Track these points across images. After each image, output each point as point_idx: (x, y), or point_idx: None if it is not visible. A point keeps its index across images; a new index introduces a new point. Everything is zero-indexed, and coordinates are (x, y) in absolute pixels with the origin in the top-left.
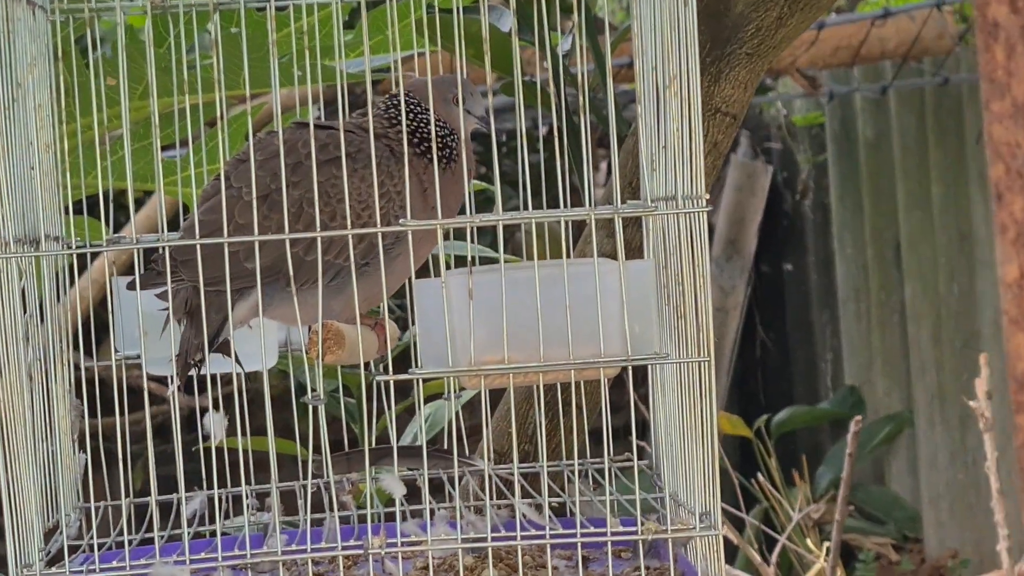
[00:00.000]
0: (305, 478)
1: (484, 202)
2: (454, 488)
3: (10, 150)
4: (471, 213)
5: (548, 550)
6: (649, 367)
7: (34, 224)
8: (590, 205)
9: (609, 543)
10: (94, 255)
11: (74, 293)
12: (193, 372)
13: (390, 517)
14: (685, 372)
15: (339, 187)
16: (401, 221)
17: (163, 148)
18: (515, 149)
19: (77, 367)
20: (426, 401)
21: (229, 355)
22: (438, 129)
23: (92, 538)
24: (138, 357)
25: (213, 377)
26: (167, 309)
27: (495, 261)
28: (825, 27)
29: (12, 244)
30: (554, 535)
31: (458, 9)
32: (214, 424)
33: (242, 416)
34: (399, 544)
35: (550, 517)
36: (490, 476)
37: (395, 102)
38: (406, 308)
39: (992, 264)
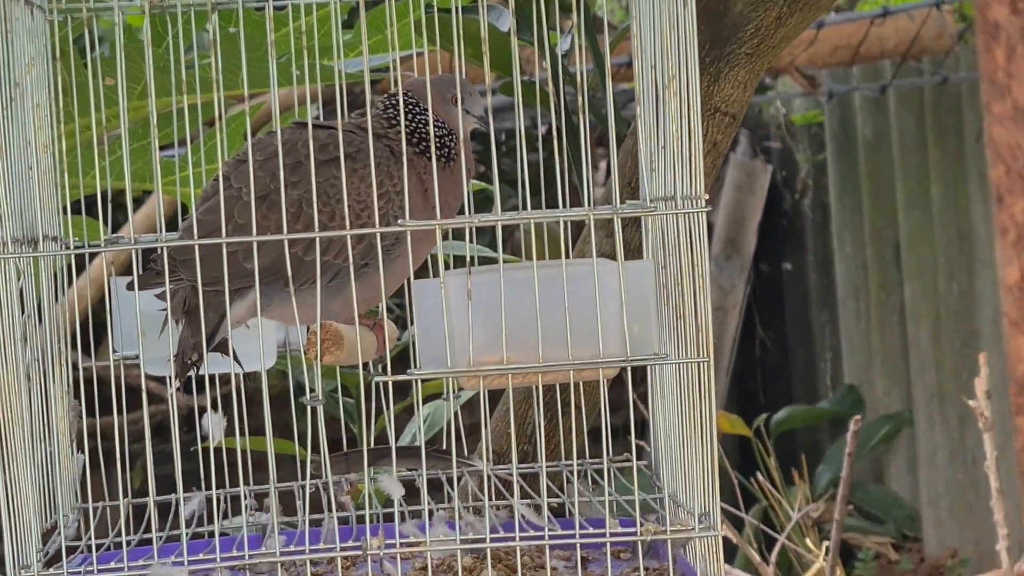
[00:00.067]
0: (304, 478)
1: (483, 201)
2: (453, 489)
3: (8, 150)
4: (470, 213)
5: (547, 551)
6: (648, 367)
7: (32, 224)
8: (589, 205)
9: (608, 544)
10: (92, 255)
11: (72, 293)
12: (192, 372)
13: (389, 518)
14: (684, 373)
15: (338, 187)
16: (400, 221)
17: (161, 148)
18: (514, 148)
19: (75, 367)
20: (425, 401)
21: (228, 355)
22: (437, 129)
23: (90, 539)
24: (136, 358)
25: (212, 377)
26: (166, 309)
27: (494, 261)
28: (824, 26)
29: (10, 244)
30: (553, 536)
31: (457, 9)
32: (212, 425)
33: (240, 416)
34: (398, 545)
35: (549, 518)
36: (489, 477)
37: (394, 102)
38: (405, 307)
39: (991, 263)
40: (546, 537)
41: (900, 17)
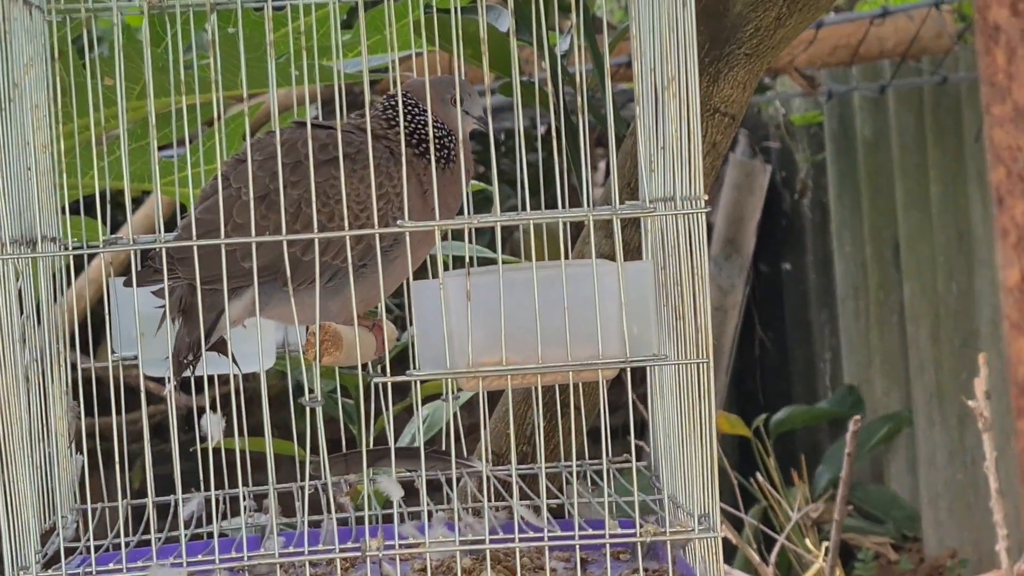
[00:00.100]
0: (303, 479)
1: (482, 201)
2: (452, 490)
3: (7, 151)
4: (469, 213)
5: (547, 552)
6: (648, 368)
7: (31, 225)
8: (588, 206)
9: (608, 545)
10: (91, 256)
11: (71, 294)
12: (189, 372)
13: (388, 519)
14: (684, 374)
15: (338, 188)
16: (399, 222)
17: (160, 148)
18: (513, 148)
19: (74, 367)
20: (424, 402)
21: (226, 355)
22: (436, 130)
23: (89, 540)
24: (135, 358)
25: (211, 377)
26: (163, 307)
27: (493, 261)
28: (823, 26)
29: (9, 245)
30: (552, 537)
31: (456, 9)
32: (211, 425)
33: (239, 417)
34: (397, 546)
35: (548, 519)
36: (488, 478)
37: (393, 103)
38: (404, 307)
39: (991, 263)
40: (545, 538)
41: (899, 17)
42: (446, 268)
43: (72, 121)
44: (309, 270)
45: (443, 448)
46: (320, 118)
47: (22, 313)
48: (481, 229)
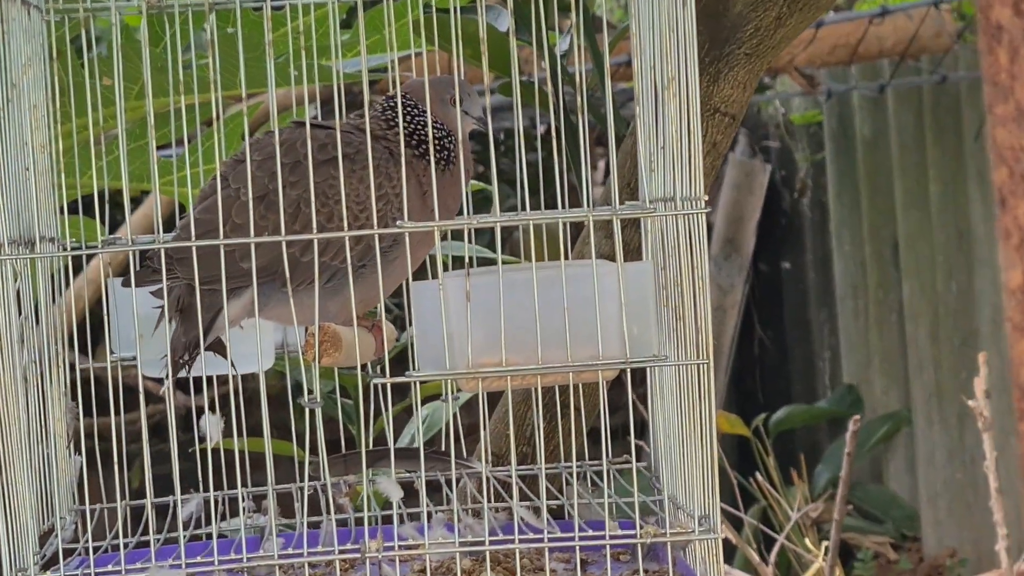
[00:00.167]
0: (302, 480)
1: (482, 201)
2: (452, 491)
3: (5, 151)
4: (469, 213)
5: (546, 553)
6: (648, 369)
7: (29, 225)
8: (588, 206)
9: (608, 547)
10: (90, 256)
11: (70, 294)
12: (185, 371)
13: (387, 520)
14: (684, 374)
15: (337, 188)
16: (398, 223)
17: (159, 148)
18: (512, 148)
19: (73, 367)
20: (423, 402)
21: (224, 356)
22: (435, 131)
23: (88, 541)
24: (134, 359)
25: (209, 377)
26: (161, 307)
27: (493, 262)
28: (823, 26)
29: (7, 246)
30: (552, 539)
31: (455, 9)
32: (210, 426)
33: (238, 417)
34: (396, 547)
35: (548, 520)
36: (488, 478)
37: (393, 104)
38: (403, 307)
39: (990, 263)
40: (545, 540)
41: (899, 16)
42: (445, 268)
43: (70, 121)
44: (308, 271)
45: (442, 449)
46: (319, 118)
47: (20, 314)
48: (480, 229)
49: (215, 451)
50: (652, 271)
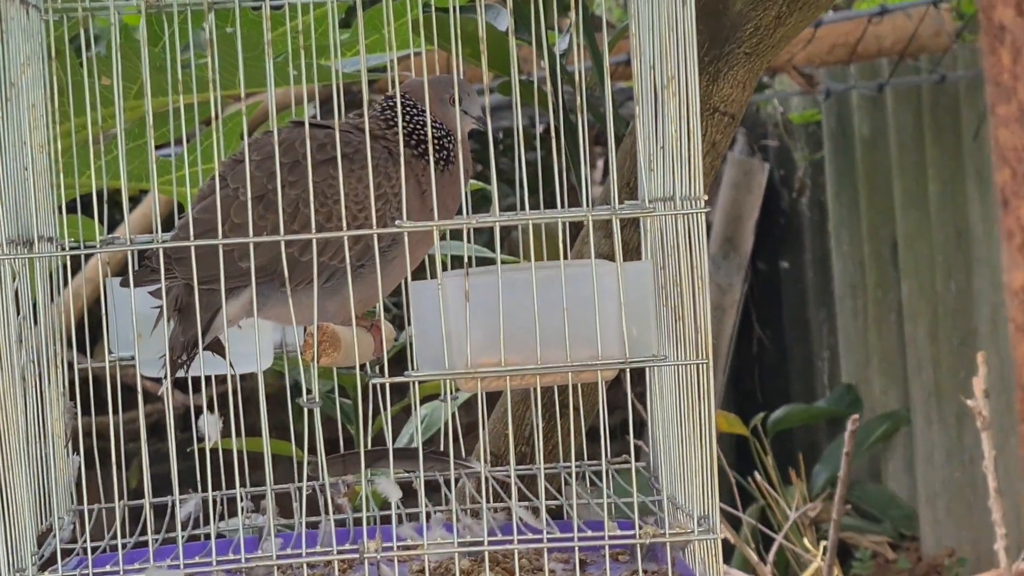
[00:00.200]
0: (300, 480)
1: (480, 200)
2: (450, 491)
3: (4, 150)
4: (468, 213)
5: (545, 554)
6: (647, 369)
7: (28, 225)
8: (588, 206)
9: (607, 547)
10: (88, 256)
11: (68, 293)
12: (184, 371)
13: (386, 520)
14: (683, 374)
15: (336, 188)
16: (397, 223)
17: (158, 147)
18: (511, 147)
19: (71, 366)
20: (422, 402)
21: (223, 356)
22: (435, 130)
23: (86, 541)
24: (132, 358)
25: (208, 377)
26: (159, 307)
27: (492, 261)
28: (822, 25)
29: (5, 246)
30: (551, 539)
31: (454, 8)
32: (208, 426)
33: (237, 417)
34: (395, 548)
35: (547, 521)
36: (486, 479)
37: (392, 103)
38: (402, 306)
39: (989, 262)
40: (544, 540)
41: (898, 15)
42: (444, 268)
43: (69, 120)
44: (307, 270)
45: (441, 449)
46: (318, 117)
47: (19, 313)
48: (478, 228)
49: (213, 451)
50: (652, 271)
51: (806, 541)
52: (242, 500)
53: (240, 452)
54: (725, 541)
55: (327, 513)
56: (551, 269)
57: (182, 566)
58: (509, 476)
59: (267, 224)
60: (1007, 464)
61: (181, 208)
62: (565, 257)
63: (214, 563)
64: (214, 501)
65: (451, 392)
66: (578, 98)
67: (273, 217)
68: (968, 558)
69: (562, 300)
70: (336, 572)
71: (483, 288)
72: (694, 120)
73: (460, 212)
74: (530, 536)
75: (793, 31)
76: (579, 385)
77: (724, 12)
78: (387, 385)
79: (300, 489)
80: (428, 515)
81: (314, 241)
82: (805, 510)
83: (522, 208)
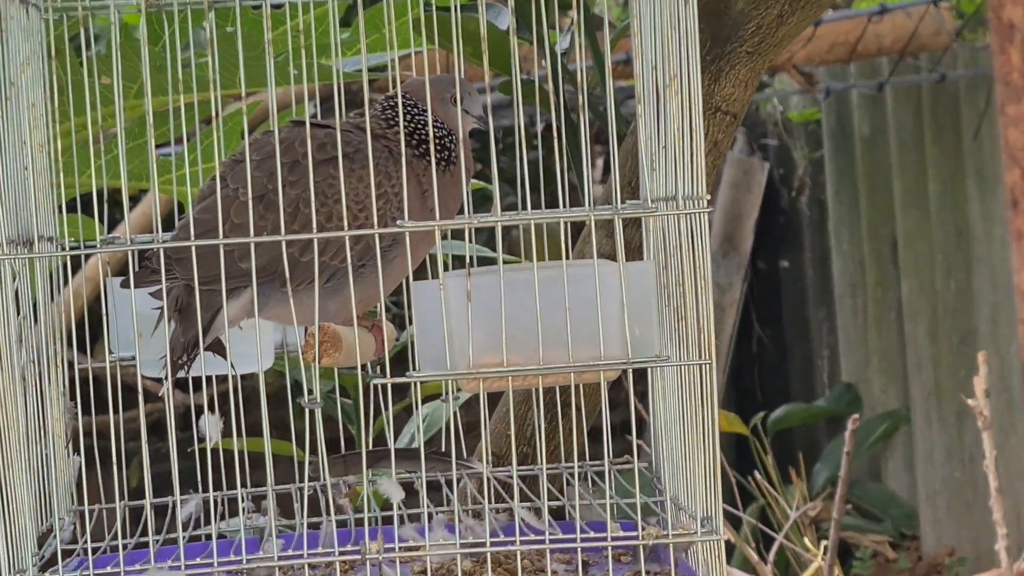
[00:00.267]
0: (301, 480)
1: (481, 199)
2: (452, 491)
3: (4, 150)
4: (469, 212)
5: (548, 555)
6: (649, 369)
7: (28, 225)
8: (590, 206)
9: (609, 548)
10: (88, 255)
11: (68, 293)
12: (184, 372)
13: (387, 521)
14: (686, 375)
15: (336, 187)
16: (399, 223)
17: (158, 146)
18: (511, 146)
19: (71, 365)
20: (423, 401)
21: (223, 356)
22: (436, 130)
23: (86, 542)
24: (133, 359)
25: (208, 376)
26: (160, 308)
27: (493, 261)
28: (822, 23)
29: (5, 246)
30: (554, 540)
31: (455, 7)
32: (209, 426)
33: (237, 416)
34: (396, 549)
35: (549, 521)
36: (488, 479)
37: (393, 103)
38: (402, 305)
39: (989, 261)
40: (547, 541)
41: (898, 14)
42: (446, 268)
43: (69, 120)
44: (308, 270)
45: (443, 448)
46: (319, 116)
47: (19, 313)
48: (479, 228)
49: (214, 451)
50: (654, 271)
51: (806, 540)
52: (243, 500)
53: (241, 452)
54: (726, 541)
55: (328, 514)
56: (553, 269)
57: (183, 567)
58: (511, 476)
59: (267, 224)
60: (1007, 463)
61: (181, 208)
62: (567, 257)
63: (215, 564)
64: (215, 501)
65: (452, 392)
66: (580, 97)
67: (273, 217)
68: (968, 557)
69: (564, 300)
70: (338, 573)
71: (485, 288)
72: (696, 119)
73: (461, 211)
74: (532, 537)
75: (795, 30)
76: (581, 385)
77: (726, 11)
78: (388, 385)
79: (301, 489)
80: (430, 516)
81: (315, 241)
82: (806, 509)
83: (523, 207)
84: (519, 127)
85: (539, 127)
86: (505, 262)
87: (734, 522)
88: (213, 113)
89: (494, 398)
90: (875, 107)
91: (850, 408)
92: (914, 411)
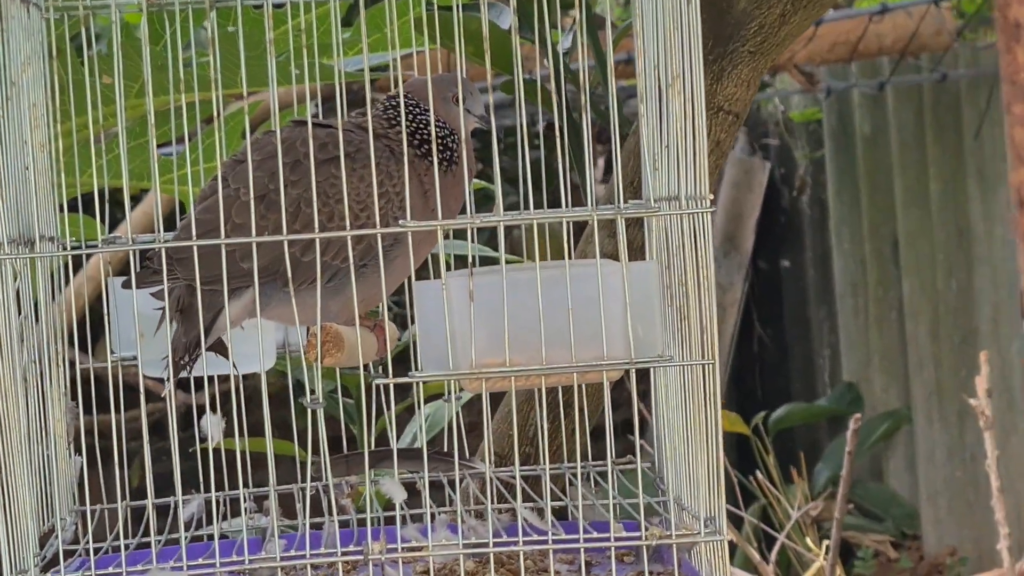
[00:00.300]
0: (303, 480)
1: (482, 199)
2: (455, 491)
3: (4, 150)
4: (471, 212)
5: (551, 555)
6: (651, 369)
7: (29, 224)
8: (592, 205)
9: (613, 549)
10: (89, 255)
11: (69, 292)
12: (184, 372)
13: (390, 521)
14: (688, 375)
15: (338, 187)
16: (401, 222)
17: (159, 146)
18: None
19: (73, 364)
20: (426, 401)
21: (225, 356)
22: (438, 130)
23: (88, 542)
24: (134, 359)
25: (210, 376)
26: (162, 309)
27: (495, 260)
28: (823, 23)
29: (6, 245)
30: (556, 540)
31: (457, 6)
32: (211, 426)
33: (239, 416)
34: (399, 549)
35: (552, 522)
36: (491, 479)
37: (394, 102)
38: (404, 305)
39: (990, 260)
40: (550, 542)
41: (899, 14)
42: (448, 268)
43: (70, 119)
44: (309, 270)
45: (445, 448)
46: (320, 116)
47: (20, 313)
48: (480, 227)
49: (216, 451)
50: (657, 271)
51: (808, 540)
52: (245, 501)
53: (243, 452)
54: (728, 541)
55: (331, 514)
56: (556, 269)
57: (185, 567)
58: (513, 477)
59: (269, 224)
60: (1009, 463)
61: (183, 207)
62: (570, 256)
63: (217, 565)
64: (217, 502)
65: (455, 392)
66: (583, 97)
67: (275, 217)
68: (970, 557)
69: (567, 300)
70: (340, 574)
71: (487, 288)
72: (699, 119)
73: (463, 211)
74: (535, 537)
75: (797, 29)
76: (583, 385)
77: (728, 10)
78: (391, 385)
79: (304, 490)
80: (432, 516)
81: (317, 241)
82: (807, 509)
83: (525, 207)
84: (521, 127)
85: (541, 126)
86: (507, 262)
87: (736, 522)
88: (214, 112)
89: (496, 398)
90: (876, 107)
91: (851, 408)
92: (915, 411)
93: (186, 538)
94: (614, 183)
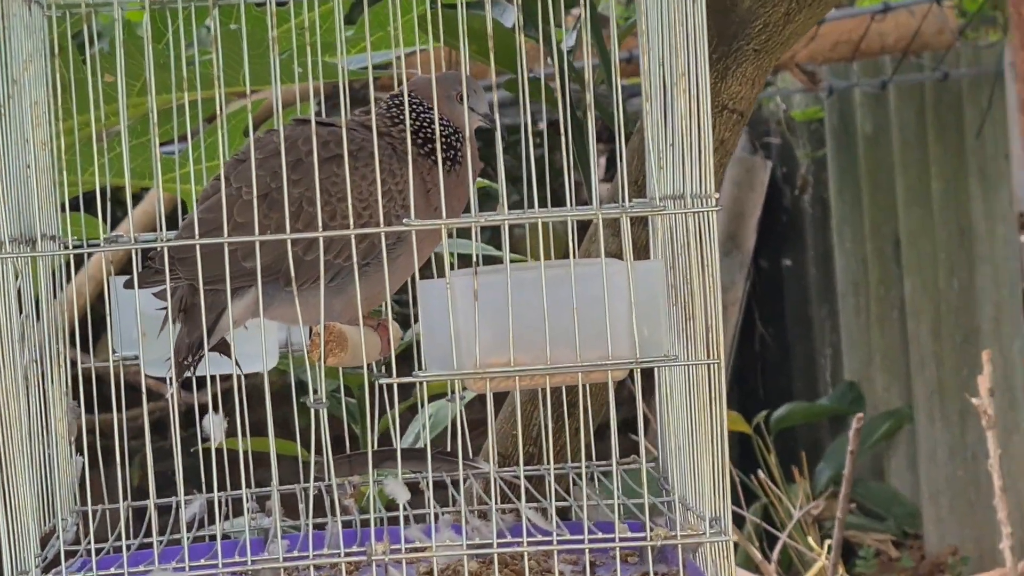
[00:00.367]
0: (306, 481)
1: (484, 198)
2: (458, 492)
3: (6, 148)
4: (475, 211)
5: (555, 556)
6: (656, 369)
7: (30, 223)
8: (597, 204)
9: (618, 549)
10: (91, 254)
11: (71, 291)
12: (190, 372)
13: (393, 521)
14: (693, 374)
15: (340, 185)
16: (404, 221)
17: (161, 144)
18: (514, 144)
19: (74, 363)
20: (429, 400)
21: (228, 356)
22: (442, 128)
23: (90, 543)
24: (136, 358)
25: (212, 375)
26: (164, 308)
27: (498, 259)
28: (825, 22)
29: (8, 244)
30: (561, 541)
31: (461, 4)
32: (213, 426)
33: (242, 416)
34: (403, 550)
35: (556, 522)
36: (495, 479)
37: (398, 101)
38: (406, 304)
39: (991, 259)
40: (554, 542)
41: (900, 13)
42: (452, 267)
43: (72, 118)
44: (312, 269)
45: (448, 448)
46: (323, 114)
47: (21, 312)
48: (484, 225)
49: (218, 450)
50: (662, 270)
51: (810, 539)
52: (247, 501)
53: (245, 452)
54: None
55: (334, 514)
56: (560, 268)
57: (187, 568)
58: (517, 477)
59: (271, 223)
60: (1011, 462)
61: (185, 206)
62: (574, 256)
63: (220, 565)
64: (219, 502)
65: (459, 391)
66: (587, 96)
67: (277, 216)
68: (971, 556)
69: (571, 299)
70: (343, 574)
71: (492, 287)
72: (704, 118)
73: (467, 210)
74: (539, 538)
75: (802, 28)
76: (588, 385)
77: (733, 9)
78: (394, 384)
79: (306, 490)
80: (436, 516)
81: (320, 239)
82: (809, 508)
83: (529, 206)
84: (525, 126)
85: (544, 125)
86: (512, 261)
87: (737, 521)
88: (217, 111)
89: (500, 398)
90: (878, 105)
91: (853, 407)
92: (917, 410)
93: (188, 538)
94: (617, 182)
